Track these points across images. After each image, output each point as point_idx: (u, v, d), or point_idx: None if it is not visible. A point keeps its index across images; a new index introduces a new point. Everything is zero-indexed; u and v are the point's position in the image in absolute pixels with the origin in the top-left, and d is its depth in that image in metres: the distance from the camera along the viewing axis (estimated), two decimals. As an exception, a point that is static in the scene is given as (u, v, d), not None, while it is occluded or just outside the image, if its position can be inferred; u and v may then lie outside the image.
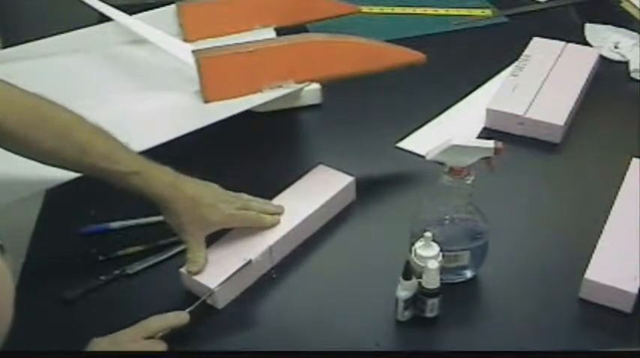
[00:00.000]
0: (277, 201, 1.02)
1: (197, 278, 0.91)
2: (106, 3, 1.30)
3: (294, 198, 1.02)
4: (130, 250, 0.99)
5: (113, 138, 0.91)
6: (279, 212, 0.99)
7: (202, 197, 0.93)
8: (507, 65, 1.32)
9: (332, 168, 1.07)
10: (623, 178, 1.04)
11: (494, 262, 0.94)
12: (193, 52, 1.12)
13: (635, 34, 1.40)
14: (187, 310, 0.87)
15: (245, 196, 0.99)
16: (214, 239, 0.95)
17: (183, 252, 0.94)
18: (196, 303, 0.88)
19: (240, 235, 0.96)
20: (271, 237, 0.96)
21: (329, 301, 0.93)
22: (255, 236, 0.96)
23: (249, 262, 0.92)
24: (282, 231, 0.97)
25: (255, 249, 0.94)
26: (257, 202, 0.99)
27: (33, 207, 1.08)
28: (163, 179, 0.92)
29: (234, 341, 0.88)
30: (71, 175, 0.93)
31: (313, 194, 1.03)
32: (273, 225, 0.97)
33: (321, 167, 1.08)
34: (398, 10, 1.56)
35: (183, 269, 0.92)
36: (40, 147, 0.88)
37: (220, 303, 0.91)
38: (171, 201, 0.91)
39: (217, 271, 0.91)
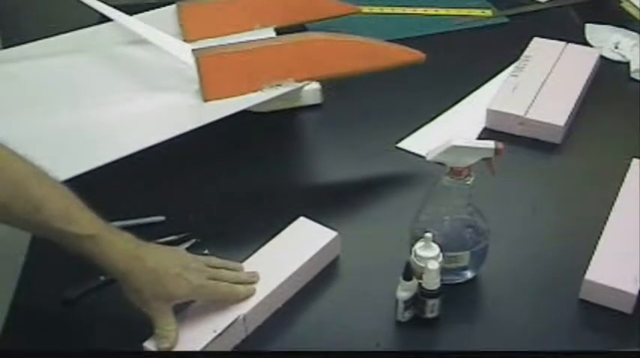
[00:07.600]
0: (252, 260, 0.93)
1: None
2: (106, 3, 1.29)
3: (272, 257, 0.93)
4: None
5: (72, 196, 0.81)
6: (253, 281, 0.89)
7: (167, 267, 0.83)
8: (507, 65, 1.32)
9: (314, 219, 0.98)
10: (623, 178, 1.04)
11: (494, 262, 0.94)
12: (193, 50, 1.12)
13: (635, 34, 1.40)
14: None
15: (215, 261, 0.90)
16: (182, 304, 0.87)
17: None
18: None
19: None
20: (244, 305, 0.87)
21: (329, 301, 0.93)
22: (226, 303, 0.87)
23: (220, 334, 0.84)
24: (257, 297, 0.88)
25: (226, 318, 0.85)
26: (229, 270, 0.90)
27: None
28: (122, 247, 0.82)
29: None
30: (70, 175, 0.93)
31: (293, 252, 0.94)
32: (246, 297, 0.88)
33: (302, 220, 0.98)
34: (398, 10, 1.55)
35: (149, 345, 0.83)
36: None
37: None
38: (130, 273, 0.81)
39: (185, 346, 0.83)
